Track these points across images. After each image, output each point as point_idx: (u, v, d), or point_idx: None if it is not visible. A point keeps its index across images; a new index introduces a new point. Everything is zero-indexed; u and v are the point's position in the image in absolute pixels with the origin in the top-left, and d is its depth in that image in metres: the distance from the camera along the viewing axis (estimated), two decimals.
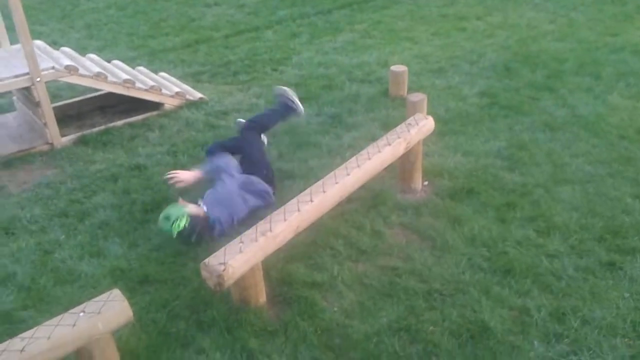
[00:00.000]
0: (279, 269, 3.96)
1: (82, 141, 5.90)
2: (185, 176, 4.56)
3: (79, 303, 3.10)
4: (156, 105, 6.43)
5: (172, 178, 4.53)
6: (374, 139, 4.77)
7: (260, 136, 5.14)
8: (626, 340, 3.35)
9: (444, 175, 4.97)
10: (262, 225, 3.51)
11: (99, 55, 6.91)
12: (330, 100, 6.54)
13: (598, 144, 5.37)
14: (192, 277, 3.91)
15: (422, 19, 9.33)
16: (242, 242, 3.36)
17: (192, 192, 4.62)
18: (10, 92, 6.20)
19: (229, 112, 6.40)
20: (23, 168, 5.51)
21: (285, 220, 3.54)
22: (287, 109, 5.33)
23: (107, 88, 6.06)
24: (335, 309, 3.67)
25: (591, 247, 4.09)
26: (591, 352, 3.28)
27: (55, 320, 2.95)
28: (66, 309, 3.08)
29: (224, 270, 3.17)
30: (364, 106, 6.38)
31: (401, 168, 4.77)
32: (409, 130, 4.45)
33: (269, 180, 4.65)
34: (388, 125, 5.45)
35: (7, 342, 2.83)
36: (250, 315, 3.55)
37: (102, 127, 6.11)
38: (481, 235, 4.23)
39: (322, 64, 7.66)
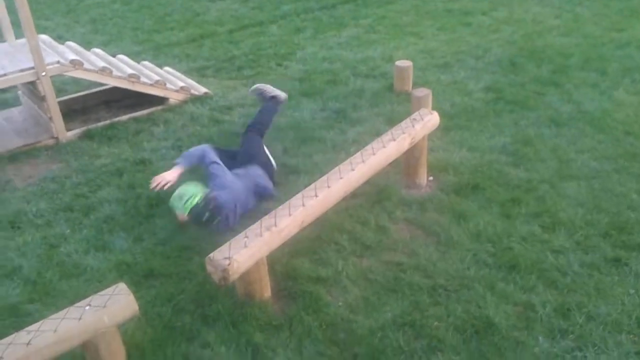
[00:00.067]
0: (284, 263, 3.96)
1: (87, 135, 5.91)
2: (169, 177, 4.44)
3: (84, 297, 3.12)
4: (161, 100, 6.44)
5: (158, 184, 4.41)
6: (378, 134, 4.77)
7: (262, 138, 5.10)
8: (631, 336, 3.35)
9: (448, 171, 4.96)
10: (266, 220, 3.51)
11: (104, 50, 6.91)
12: (335, 96, 6.53)
13: (604, 140, 5.35)
14: (197, 271, 3.92)
15: (427, 14, 9.30)
16: (247, 236, 3.37)
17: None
18: (15, 86, 6.22)
19: (234, 107, 6.40)
20: (28, 162, 5.53)
21: (290, 215, 3.54)
22: (272, 101, 5.34)
23: (112, 82, 6.07)
24: (340, 303, 3.67)
25: (596, 243, 4.08)
26: (596, 348, 3.28)
27: (61, 313, 2.97)
28: (72, 302, 3.10)
29: (229, 264, 3.17)
30: (368, 101, 6.37)
31: (406, 163, 4.76)
32: (413, 126, 4.45)
33: (268, 173, 4.68)
34: (393, 121, 5.45)
35: (13, 336, 2.85)
36: (255, 310, 3.56)
37: (107, 122, 6.12)
38: (486, 230, 4.23)
39: (327, 59, 7.65)
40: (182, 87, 6.50)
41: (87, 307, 2.99)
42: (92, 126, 6.03)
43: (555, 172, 4.89)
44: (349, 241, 4.20)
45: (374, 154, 4.13)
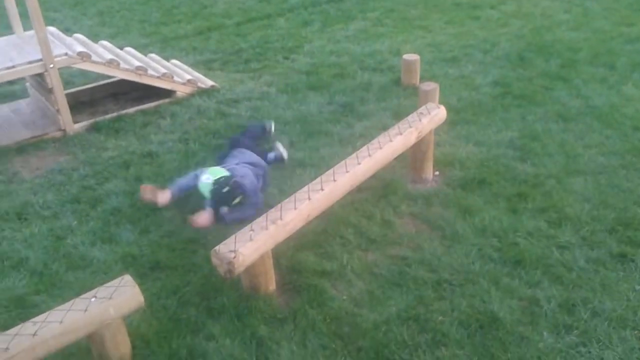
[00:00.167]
0: (289, 257, 3.97)
1: (95, 128, 5.93)
2: (161, 198, 4.33)
3: (90, 288, 3.14)
4: (168, 93, 6.45)
5: (146, 196, 4.37)
6: (385, 128, 4.76)
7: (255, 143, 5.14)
8: (636, 332, 3.34)
9: (455, 165, 4.95)
10: (272, 213, 3.52)
11: (111, 42, 6.92)
12: (342, 89, 6.52)
13: (611, 135, 5.33)
14: (202, 264, 3.94)
15: (436, 7, 9.26)
16: (252, 230, 3.38)
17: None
18: (23, 78, 6.24)
19: (240, 100, 6.40)
20: (36, 154, 5.55)
21: (295, 208, 3.55)
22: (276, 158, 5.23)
23: (119, 75, 6.08)
24: (345, 297, 3.68)
25: (602, 238, 4.07)
26: (600, 343, 3.28)
27: (67, 305, 2.99)
28: (78, 294, 3.13)
29: (234, 257, 3.18)
30: (375, 95, 6.36)
31: (412, 157, 4.76)
32: (420, 120, 4.44)
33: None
34: (400, 114, 5.44)
35: (19, 326, 2.87)
36: (260, 303, 3.58)
37: (115, 114, 6.14)
38: (492, 225, 4.22)
39: (334, 53, 7.63)
40: (189, 80, 6.51)
41: (93, 299, 3.01)
42: (99, 118, 6.05)
43: (562, 168, 4.87)
44: (354, 235, 4.20)
45: (380, 148, 4.12)
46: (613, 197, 4.48)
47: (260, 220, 3.46)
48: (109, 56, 5.99)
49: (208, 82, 6.73)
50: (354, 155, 4.08)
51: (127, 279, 3.17)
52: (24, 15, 5.81)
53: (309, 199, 3.63)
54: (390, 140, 4.20)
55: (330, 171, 3.90)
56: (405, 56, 6.51)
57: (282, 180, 4.83)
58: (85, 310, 2.94)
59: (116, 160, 5.34)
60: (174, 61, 7.14)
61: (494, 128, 5.54)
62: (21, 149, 5.64)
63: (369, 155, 4.05)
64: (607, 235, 4.09)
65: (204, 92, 6.56)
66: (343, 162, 4.00)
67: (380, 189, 4.67)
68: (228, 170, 4.33)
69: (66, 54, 5.64)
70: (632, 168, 4.83)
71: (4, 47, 5.95)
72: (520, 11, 8.82)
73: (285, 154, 5.10)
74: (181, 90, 6.47)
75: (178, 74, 6.57)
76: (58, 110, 5.75)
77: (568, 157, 5.02)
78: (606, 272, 3.77)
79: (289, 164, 5.05)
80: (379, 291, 3.71)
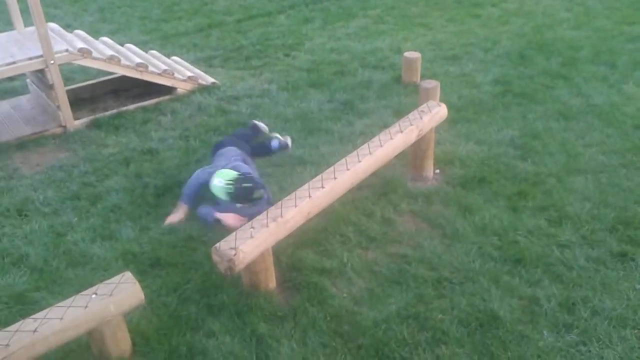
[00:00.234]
0: (289, 254, 3.97)
1: (95, 124, 5.92)
2: (177, 217, 4.39)
3: (91, 285, 3.14)
4: (169, 90, 6.45)
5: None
6: (385, 125, 4.76)
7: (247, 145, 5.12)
8: (636, 331, 3.34)
9: (455, 164, 4.95)
10: (273, 210, 3.52)
11: (112, 39, 6.91)
12: (343, 87, 6.51)
13: (612, 134, 5.32)
14: (203, 261, 3.94)
15: (437, 5, 9.25)
16: (253, 227, 3.37)
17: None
18: (24, 74, 6.24)
19: (241, 98, 6.40)
20: (36, 150, 5.55)
21: (296, 206, 3.54)
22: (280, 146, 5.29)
23: (120, 71, 6.08)
24: (345, 295, 3.68)
25: (603, 237, 4.07)
26: (600, 342, 3.28)
27: (67, 301, 2.99)
28: (78, 291, 3.12)
29: (234, 254, 3.18)
30: (376, 93, 6.35)
31: (413, 155, 4.75)
32: (421, 118, 4.43)
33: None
34: (400, 112, 5.44)
35: (20, 323, 2.88)
36: (260, 300, 3.58)
37: (115, 111, 6.14)
38: (492, 224, 4.22)
39: (335, 50, 7.62)
40: (189, 77, 6.50)
41: (94, 296, 3.01)
42: (99, 115, 6.05)
43: (562, 166, 4.87)
44: (355, 233, 4.20)
45: (381, 146, 4.12)
46: (613, 196, 4.48)
47: (260, 218, 3.46)
48: (110, 52, 5.98)
49: (209, 79, 6.72)
50: (354, 152, 4.07)
51: (128, 275, 3.17)
52: (25, 11, 5.81)
53: (310, 196, 3.62)
54: (391, 138, 4.20)
55: (331, 169, 3.90)
56: (406, 54, 6.51)
57: (282, 177, 4.83)
58: (86, 307, 2.94)
59: (116, 157, 5.33)
60: (175, 58, 7.14)
61: (495, 126, 5.54)
62: (21, 145, 5.64)
63: (370, 153, 4.04)
64: (607, 234, 4.09)
65: (204, 89, 6.56)
66: (343, 159, 4.00)
67: (380, 186, 4.67)
68: (232, 168, 4.33)
69: (67, 50, 5.64)
70: (632, 167, 4.83)
71: (4, 43, 5.95)
72: (521, 9, 8.82)
73: (288, 140, 5.20)
74: (182, 87, 6.46)
75: (179, 71, 6.57)
76: (58, 107, 5.75)
77: (568, 155, 5.02)
78: (606, 271, 3.78)
79: (289, 161, 5.05)
80: (379, 289, 3.71)
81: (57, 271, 3.96)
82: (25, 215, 4.60)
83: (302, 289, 3.72)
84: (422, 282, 3.74)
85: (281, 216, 3.46)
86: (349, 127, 5.65)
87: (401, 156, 4.59)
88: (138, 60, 6.16)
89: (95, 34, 7.45)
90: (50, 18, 7.65)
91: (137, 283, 3.13)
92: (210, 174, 4.32)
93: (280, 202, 3.59)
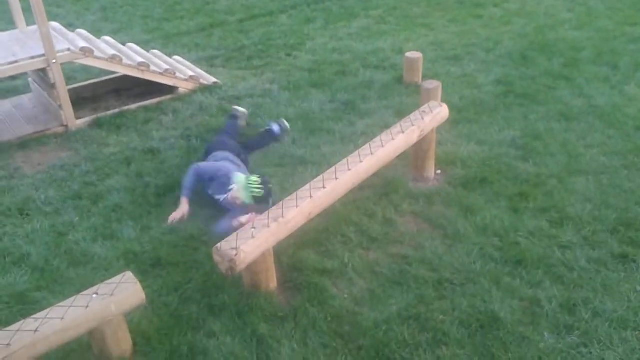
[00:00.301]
0: (290, 255, 3.97)
1: (97, 124, 5.93)
2: (180, 213, 4.38)
3: (92, 285, 3.14)
4: (170, 89, 6.45)
5: (174, 220, 4.38)
6: (387, 126, 4.76)
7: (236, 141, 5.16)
8: (637, 333, 3.34)
9: (457, 164, 4.94)
10: (274, 211, 3.52)
11: (113, 38, 6.92)
12: (344, 87, 6.51)
13: (613, 135, 5.32)
14: (204, 261, 3.94)
15: (439, 5, 9.24)
16: (254, 227, 3.37)
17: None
18: (26, 73, 6.24)
19: (242, 97, 6.39)
20: (38, 150, 5.56)
21: (297, 206, 3.54)
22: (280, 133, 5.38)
23: (121, 71, 6.08)
24: (346, 296, 3.68)
25: (604, 239, 4.06)
26: (601, 344, 3.27)
27: (68, 301, 2.99)
28: (79, 290, 3.13)
29: (236, 255, 3.18)
30: (377, 93, 6.35)
31: (414, 156, 4.75)
32: (423, 118, 4.43)
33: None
34: (402, 113, 5.43)
35: (20, 322, 2.88)
36: (261, 301, 3.58)
37: (117, 110, 6.14)
38: (493, 225, 4.22)
39: (336, 50, 7.62)
40: (191, 77, 6.51)
41: (95, 295, 3.01)
42: (101, 114, 6.05)
43: (564, 167, 4.87)
44: (356, 233, 4.20)
45: (382, 146, 4.12)
46: (615, 197, 4.48)
47: (262, 218, 3.46)
48: (112, 52, 5.98)
49: (210, 79, 6.72)
50: (356, 153, 4.07)
51: (129, 275, 3.17)
52: (27, 10, 5.81)
53: (311, 196, 3.62)
54: (393, 139, 4.20)
55: (332, 169, 3.90)
56: (408, 54, 6.51)
57: (283, 177, 4.84)
58: (87, 307, 2.94)
59: (118, 157, 5.34)
60: (177, 57, 7.14)
61: (496, 127, 5.54)
62: (23, 144, 5.64)
63: (371, 153, 4.04)
64: (608, 236, 4.09)
65: (206, 89, 6.56)
66: (345, 159, 4.00)
67: (381, 187, 4.66)
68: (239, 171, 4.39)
69: (69, 50, 5.64)
70: (634, 168, 4.82)
71: (6, 42, 5.95)
72: (523, 10, 8.81)
73: (285, 123, 5.36)
74: (183, 87, 6.47)
75: (180, 71, 6.57)
76: (60, 106, 5.75)
77: (570, 156, 5.02)
78: (607, 272, 3.77)
79: (290, 161, 5.05)
80: (380, 290, 3.71)
81: (58, 271, 3.97)
82: (27, 215, 4.60)
83: (303, 289, 3.72)
84: (423, 283, 3.74)
85: (282, 216, 3.46)
86: (351, 127, 5.65)
87: (402, 156, 4.59)
88: (140, 59, 6.16)
89: (97, 33, 7.45)
90: (52, 17, 7.66)
91: (138, 283, 3.14)
92: (209, 169, 4.40)
93: (281, 202, 3.59)
